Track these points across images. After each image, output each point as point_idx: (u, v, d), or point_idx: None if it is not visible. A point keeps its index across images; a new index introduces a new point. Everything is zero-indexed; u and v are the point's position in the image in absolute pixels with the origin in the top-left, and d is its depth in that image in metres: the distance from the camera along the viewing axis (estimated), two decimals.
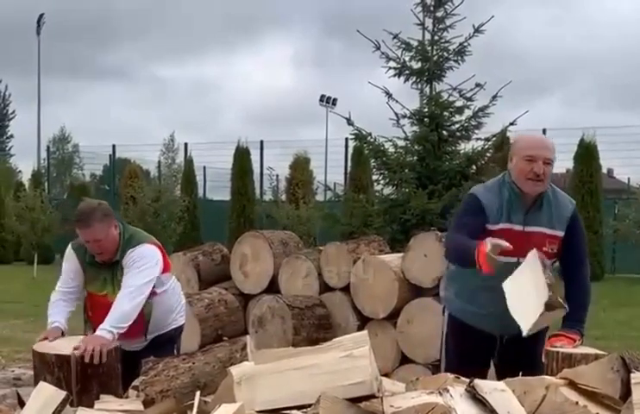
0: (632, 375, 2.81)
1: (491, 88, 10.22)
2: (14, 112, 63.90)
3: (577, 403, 2.69)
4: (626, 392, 2.79)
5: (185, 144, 26.68)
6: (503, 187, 3.84)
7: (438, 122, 10.14)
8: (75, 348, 3.92)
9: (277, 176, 23.90)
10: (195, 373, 3.67)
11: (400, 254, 6.47)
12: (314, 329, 6.26)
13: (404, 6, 10.59)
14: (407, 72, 10.37)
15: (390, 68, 10.36)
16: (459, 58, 10.28)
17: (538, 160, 3.72)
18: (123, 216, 16.43)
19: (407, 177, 10.07)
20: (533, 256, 3.52)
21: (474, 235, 3.68)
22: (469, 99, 10.19)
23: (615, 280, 18.49)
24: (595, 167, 19.42)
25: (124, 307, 4.16)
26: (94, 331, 4.44)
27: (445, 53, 10.32)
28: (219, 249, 7.46)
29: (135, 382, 3.64)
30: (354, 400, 2.64)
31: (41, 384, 3.20)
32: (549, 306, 3.30)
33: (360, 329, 5.81)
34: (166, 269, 4.46)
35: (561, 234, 3.85)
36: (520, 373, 3.46)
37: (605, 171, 23.74)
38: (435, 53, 10.35)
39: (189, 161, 24.61)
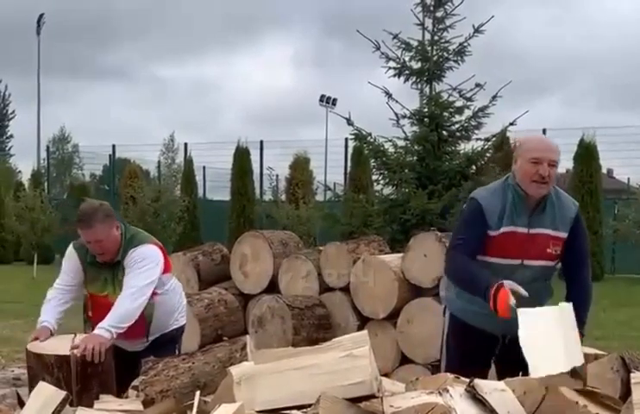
0: (632, 375, 2.80)
1: (491, 88, 10.25)
2: (14, 112, 63.99)
3: (577, 403, 2.69)
4: (626, 392, 2.79)
5: (185, 144, 26.73)
6: (507, 189, 3.83)
7: (438, 122, 10.15)
8: (74, 348, 3.93)
9: (277, 176, 23.94)
10: (195, 373, 3.66)
11: (400, 254, 6.46)
12: (314, 329, 6.26)
13: (404, 6, 10.61)
14: (407, 72, 10.38)
15: (390, 68, 10.39)
16: (459, 58, 10.30)
17: (543, 163, 3.71)
18: (123, 216, 16.41)
19: (407, 177, 10.08)
20: (569, 308, 3.41)
21: (478, 249, 3.73)
22: (469, 99, 10.21)
23: (615, 280, 18.49)
24: (595, 167, 19.43)
25: (125, 307, 4.16)
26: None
27: (445, 53, 10.33)
28: (219, 249, 7.46)
29: (135, 382, 3.63)
30: (354, 400, 2.64)
31: (41, 384, 3.19)
32: (574, 373, 2.86)
33: (359, 329, 5.81)
34: (166, 270, 4.47)
35: (564, 235, 3.85)
36: (520, 374, 3.45)
37: (604, 171, 23.74)
38: (435, 53, 10.37)
39: (189, 161, 24.62)
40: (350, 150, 21.60)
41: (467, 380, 2.80)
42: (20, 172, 42.19)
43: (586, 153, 19.24)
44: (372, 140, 10.50)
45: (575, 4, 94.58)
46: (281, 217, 19.39)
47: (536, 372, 2.99)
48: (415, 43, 10.38)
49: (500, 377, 3.57)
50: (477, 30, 10.14)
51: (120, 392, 3.89)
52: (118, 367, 4.15)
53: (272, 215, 19.96)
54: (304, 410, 2.66)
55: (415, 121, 10.39)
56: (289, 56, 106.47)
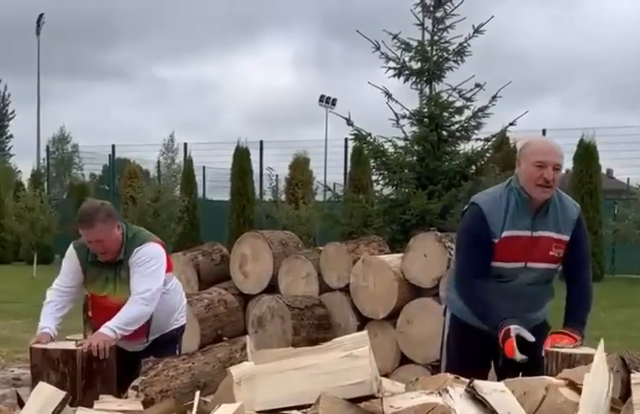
0: (632, 375, 2.81)
1: (490, 88, 10.25)
2: (13, 112, 63.95)
3: (577, 403, 2.68)
4: (626, 392, 2.79)
5: (185, 144, 26.77)
6: (509, 193, 3.81)
7: (438, 122, 10.15)
8: (79, 345, 3.96)
9: (276, 176, 23.95)
10: (195, 373, 3.66)
11: (400, 255, 6.46)
12: (314, 329, 6.26)
13: (404, 6, 10.61)
14: (407, 72, 10.38)
15: (390, 68, 10.39)
16: (458, 58, 10.30)
17: (548, 166, 3.69)
18: (123, 216, 16.37)
19: (407, 177, 10.08)
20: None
21: (488, 262, 3.76)
22: (469, 99, 10.22)
23: (615, 281, 18.49)
24: (595, 168, 19.43)
25: (135, 311, 4.20)
26: (94, 331, 4.45)
27: (445, 54, 10.34)
28: (219, 249, 7.46)
29: (135, 382, 3.63)
30: (354, 400, 2.64)
31: (41, 384, 3.19)
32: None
33: (359, 329, 5.81)
34: (168, 269, 4.47)
35: (567, 238, 3.84)
36: (520, 374, 3.45)
37: (604, 171, 23.76)
38: (434, 53, 10.37)
39: (188, 161, 24.63)
40: (350, 150, 21.62)
41: (467, 381, 2.80)
42: (20, 172, 42.26)
43: (586, 154, 19.24)
44: (371, 140, 10.51)
45: (575, 4, 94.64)
46: (281, 217, 19.39)
47: None
48: (415, 43, 10.39)
49: (500, 377, 3.57)
50: (477, 30, 10.14)
51: (120, 392, 3.90)
52: (118, 367, 4.15)
53: (272, 215, 19.96)
54: (304, 410, 2.66)
55: (415, 121, 10.39)
56: (289, 56, 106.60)
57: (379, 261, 6.36)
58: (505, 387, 2.76)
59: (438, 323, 4.44)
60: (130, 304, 4.20)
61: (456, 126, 10.37)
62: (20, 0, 69.53)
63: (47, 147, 40.65)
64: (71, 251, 4.46)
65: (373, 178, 13.89)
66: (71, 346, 4.01)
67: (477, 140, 10.43)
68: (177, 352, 4.47)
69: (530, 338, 3.59)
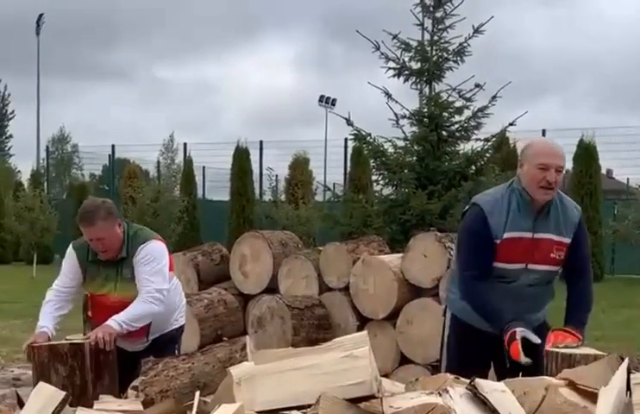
0: (632, 376, 2.81)
1: (490, 88, 10.24)
2: (13, 112, 63.87)
3: (577, 403, 2.69)
4: (626, 393, 2.79)
5: (185, 144, 26.76)
6: (511, 194, 3.81)
7: (438, 122, 10.14)
8: (86, 338, 4.02)
9: (276, 176, 23.96)
10: (194, 374, 3.67)
11: (400, 255, 6.47)
12: (313, 329, 6.26)
13: (404, 6, 10.60)
14: (407, 72, 10.37)
15: (389, 68, 10.38)
16: (458, 58, 10.29)
17: (551, 169, 3.69)
18: (123, 216, 16.42)
19: (406, 177, 10.07)
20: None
21: (490, 263, 3.75)
22: (469, 100, 10.20)
23: (614, 281, 18.49)
24: (594, 168, 19.43)
25: (143, 309, 4.22)
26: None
27: (444, 54, 10.33)
28: (218, 249, 7.46)
29: (135, 382, 3.64)
30: (354, 400, 2.64)
31: (41, 384, 3.19)
32: None
33: (359, 329, 5.81)
34: (170, 268, 4.47)
35: (568, 241, 3.84)
36: (520, 374, 3.45)
37: (604, 172, 23.75)
38: (434, 53, 10.36)
39: (188, 161, 24.63)
40: (350, 150, 21.61)
41: (467, 381, 2.80)
42: (19, 172, 42.20)
43: (586, 154, 19.23)
44: (371, 140, 10.50)
45: (575, 4, 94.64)
46: (281, 218, 19.39)
47: None
48: (414, 43, 10.38)
49: (500, 378, 3.57)
50: (477, 30, 10.13)
51: (120, 392, 3.90)
52: (118, 367, 4.15)
53: (272, 215, 19.96)
54: (304, 410, 2.66)
55: (414, 121, 10.39)
56: (289, 56, 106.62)
57: (379, 261, 6.36)
58: (505, 387, 2.76)
59: (438, 323, 4.44)
60: (140, 302, 4.23)
61: (456, 126, 10.36)
62: (20, 0, 69.59)
63: (47, 147, 40.72)
64: (70, 251, 4.47)
65: (373, 178, 13.90)
66: (78, 339, 4.07)
67: (477, 140, 10.42)
68: (176, 352, 4.47)
69: (536, 340, 3.60)
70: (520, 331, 3.61)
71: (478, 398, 2.67)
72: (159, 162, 34.32)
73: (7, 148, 62.92)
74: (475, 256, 3.81)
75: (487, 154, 10.43)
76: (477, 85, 10.14)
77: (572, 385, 2.79)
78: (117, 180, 27.17)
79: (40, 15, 42.77)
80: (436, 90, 10.42)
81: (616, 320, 11.54)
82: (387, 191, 10.77)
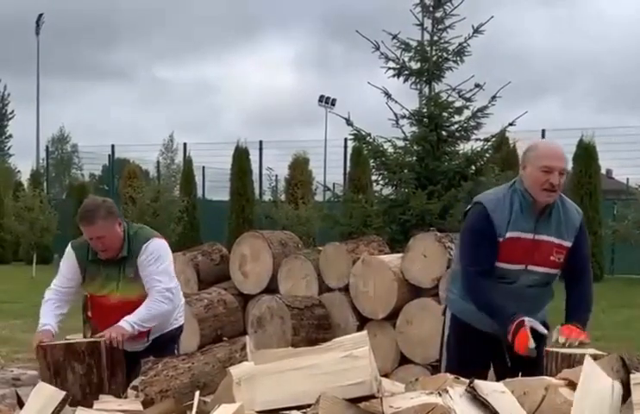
0: (632, 376, 2.81)
1: (490, 89, 10.24)
2: (13, 112, 63.83)
3: None
4: (626, 393, 2.79)
5: (185, 144, 26.75)
6: (513, 195, 3.81)
7: (437, 122, 10.14)
8: (100, 337, 4.04)
9: (276, 176, 23.96)
10: (194, 374, 3.66)
11: (400, 255, 6.47)
12: (313, 329, 6.26)
13: (404, 6, 10.60)
14: (406, 72, 10.37)
15: (389, 68, 10.38)
16: (458, 58, 10.29)
17: (554, 172, 3.70)
18: (122, 216, 16.41)
19: (406, 177, 10.07)
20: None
21: (494, 260, 3.75)
22: (468, 100, 10.20)
23: (614, 281, 18.49)
24: (594, 168, 19.43)
25: (155, 310, 4.25)
26: (94, 330, 4.46)
27: (444, 54, 10.32)
28: (218, 249, 7.46)
29: (135, 382, 3.64)
30: (354, 400, 2.64)
31: (40, 384, 3.19)
32: None
33: (359, 329, 5.81)
34: None
35: (569, 244, 3.85)
36: (520, 374, 3.45)
37: (604, 172, 23.75)
38: (434, 53, 10.36)
39: (188, 161, 24.63)
40: (349, 150, 21.61)
41: (467, 381, 2.80)
42: (19, 171, 42.20)
43: (586, 154, 19.23)
44: (371, 140, 10.49)
45: (575, 4, 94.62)
46: (280, 218, 19.39)
47: None
48: (414, 43, 10.38)
49: (499, 378, 3.57)
50: (476, 30, 10.13)
51: (120, 392, 3.90)
52: None
53: (272, 215, 19.96)
54: (304, 410, 2.66)
55: (414, 121, 10.38)
56: (289, 56, 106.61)
57: (379, 261, 6.36)
58: (505, 388, 2.76)
59: (438, 323, 4.44)
60: (150, 302, 4.25)
61: (456, 126, 10.36)
62: (20, 0, 69.57)
63: (47, 147, 40.71)
64: (69, 251, 4.46)
65: (373, 178, 13.89)
66: (95, 338, 4.10)
67: (476, 140, 10.42)
68: (176, 351, 4.47)
69: (543, 330, 3.62)
70: (528, 321, 3.61)
71: (478, 399, 2.67)
72: (158, 162, 34.34)
73: (7, 148, 62.90)
74: (480, 252, 3.80)
75: (487, 154, 10.43)
76: (477, 85, 10.14)
77: (572, 385, 2.79)
78: (117, 180, 27.17)
79: (40, 15, 42.82)
80: (436, 91, 10.42)
81: (616, 320, 11.54)
82: (387, 191, 10.77)
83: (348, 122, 10.48)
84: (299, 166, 23.16)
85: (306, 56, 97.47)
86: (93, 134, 76.85)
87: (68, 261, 4.44)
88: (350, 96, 63.03)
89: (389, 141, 10.50)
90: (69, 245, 4.49)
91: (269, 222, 19.13)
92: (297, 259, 6.75)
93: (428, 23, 10.42)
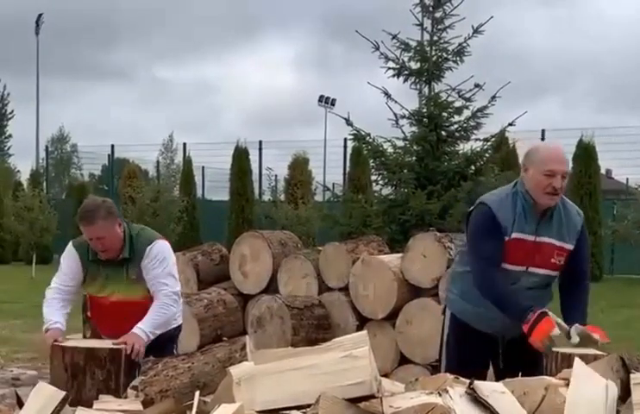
0: (632, 376, 2.81)
1: (490, 89, 10.25)
2: (12, 112, 63.78)
3: None
4: (626, 393, 2.79)
5: (184, 144, 26.74)
6: (515, 196, 3.81)
7: (437, 122, 10.15)
8: (119, 343, 4.03)
9: (276, 176, 23.97)
10: (194, 373, 3.66)
11: (399, 255, 6.47)
12: (313, 329, 6.26)
13: (403, 6, 10.60)
14: (406, 72, 10.38)
15: (389, 68, 10.39)
16: (458, 58, 10.29)
17: (557, 175, 3.69)
18: (122, 216, 16.40)
19: (406, 177, 10.07)
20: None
21: (502, 258, 3.73)
22: (468, 100, 10.21)
23: (613, 281, 18.49)
24: (594, 168, 19.44)
25: (166, 314, 4.29)
26: (93, 331, 4.45)
27: (444, 54, 10.33)
28: (218, 249, 7.46)
29: (135, 382, 3.63)
30: (354, 400, 2.64)
31: (40, 383, 3.18)
32: None
33: (359, 329, 5.81)
34: None
35: (570, 247, 3.85)
36: (520, 374, 3.45)
37: (603, 172, 23.75)
38: (434, 53, 10.37)
39: (188, 161, 24.62)
40: (349, 150, 21.61)
41: (467, 381, 2.80)
42: (19, 171, 42.10)
43: (585, 154, 19.24)
44: (371, 140, 10.50)
45: (575, 4, 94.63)
46: (280, 218, 19.38)
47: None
48: (414, 43, 10.39)
49: (499, 378, 3.58)
50: (476, 31, 10.14)
51: (120, 392, 3.90)
52: None
53: (272, 215, 19.95)
54: (304, 410, 2.66)
55: (414, 121, 10.39)
56: (289, 56, 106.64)
57: (379, 261, 6.36)
58: (505, 388, 2.76)
59: (437, 323, 4.44)
60: (160, 307, 4.26)
61: (455, 126, 10.36)
62: (19, 0, 69.55)
63: (47, 147, 40.72)
64: (70, 249, 4.44)
65: (373, 178, 13.88)
66: (114, 345, 4.08)
67: (476, 140, 10.43)
68: (174, 351, 4.47)
69: (565, 326, 3.59)
70: (552, 315, 3.60)
71: (478, 399, 2.67)
72: (158, 162, 34.32)
73: (6, 148, 62.87)
74: (489, 247, 3.77)
75: (487, 154, 10.44)
76: (476, 85, 10.15)
77: None
78: (117, 180, 27.16)
79: (40, 15, 42.77)
80: (436, 91, 10.43)
81: (615, 320, 11.53)
82: (387, 191, 10.78)
83: (348, 122, 10.49)
84: (299, 166, 23.16)
85: (306, 56, 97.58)
86: (93, 134, 76.93)
87: (70, 259, 4.42)
88: (350, 96, 63.14)
89: (389, 141, 10.52)
90: (70, 244, 4.48)
91: (269, 222, 19.13)
92: (296, 259, 6.75)
93: (428, 23, 10.43)
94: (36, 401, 2.95)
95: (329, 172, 27.26)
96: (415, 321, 6.05)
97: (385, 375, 5.23)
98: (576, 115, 74.43)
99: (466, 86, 10.19)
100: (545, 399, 2.73)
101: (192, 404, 2.93)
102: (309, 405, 2.63)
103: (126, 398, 3.60)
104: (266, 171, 23.88)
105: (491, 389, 2.72)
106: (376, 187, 11.59)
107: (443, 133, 10.28)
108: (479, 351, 3.93)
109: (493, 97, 10.15)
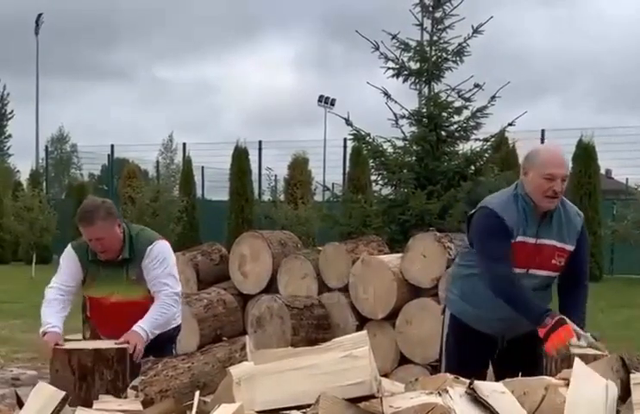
0: (632, 376, 2.81)
1: (490, 89, 10.23)
2: (12, 112, 63.76)
3: None
4: (626, 393, 2.79)
5: (184, 144, 26.74)
6: (516, 200, 3.80)
7: (437, 122, 10.14)
8: (122, 343, 4.03)
9: (275, 176, 23.96)
10: (194, 373, 3.66)
11: (399, 255, 6.47)
12: (313, 329, 6.27)
13: (403, 6, 10.60)
14: (406, 72, 10.37)
15: (389, 68, 10.37)
16: (458, 58, 10.28)
17: (557, 178, 3.70)
18: (122, 216, 16.41)
19: (406, 177, 10.06)
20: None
21: (511, 256, 3.71)
22: (468, 100, 10.19)
23: (613, 281, 18.50)
24: (594, 168, 19.44)
25: (166, 315, 4.29)
26: (93, 331, 4.44)
27: (444, 54, 10.32)
28: (218, 249, 7.46)
29: (134, 382, 3.63)
30: (354, 400, 2.64)
31: (40, 383, 3.18)
32: None
33: (358, 329, 5.81)
34: None
35: (571, 248, 3.85)
36: (520, 374, 3.45)
37: (603, 172, 23.75)
38: (433, 53, 10.35)
39: (187, 161, 24.62)
40: (349, 150, 21.61)
41: (467, 381, 2.80)
42: (18, 171, 42.11)
43: (585, 154, 19.24)
44: (370, 140, 10.49)
45: (575, 4, 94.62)
46: (280, 218, 19.38)
47: None
48: (414, 43, 10.37)
49: (499, 378, 3.57)
50: (476, 31, 10.13)
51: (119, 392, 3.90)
52: None
53: (271, 215, 19.95)
54: (304, 410, 2.66)
55: (414, 121, 10.38)
56: (289, 56, 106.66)
57: (379, 262, 6.36)
58: (505, 388, 2.76)
59: (437, 323, 4.44)
60: (160, 307, 4.26)
61: (455, 126, 10.35)
62: (19, 0, 69.53)
63: (46, 147, 40.72)
64: (69, 250, 4.44)
65: (372, 178, 13.86)
66: (120, 345, 4.08)
67: (476, 140, 10.41)
68: (173, 351, 4.47)
69: (585, 334, 3.57)
70: (571, 323, 3.57)
71: (478, 399, 2.67)
72: (158, 162, 34.29)
73: (6, 148, 62.85)
74: (500, 247, 3.74)
75: (486, 154, 10.43)
76: (476, 85, 10.14)
77: None
78: (116, 180, 27.16)
79: (40, 15, 42.75)
80: (436, 91, 10.41)
81: (615, 320, 11.54)
82: (386, 191, 10.77)
83: (348, 122, 10.48)
84: (299, 166, 23.16)
85: (306, 56, 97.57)
86: (93, 134, 76.89)
87: (69, 260, 4.41)
88: (350, 96, 63.09)
89: (388, 141, 10.50)
90: (69, 246, 4.47)
91: (268, 222, 19.12)
92: (296, 259, 6.75)
93: (427, 23, 10.42)
94: (36, 401, 2.95)
95: (329, 172, 27.27)
96: (415, 321, 6.05)
97: (385, 375, 5.23)
98: (576, 115, 74.52)
99: (465, 86, 10.18)
100: (545, 399, 2.73)
101: (192, 404, 2.93)
102: (309, 405, 2.63)
103: (126, 398, 3.60)
104: (265, 171, 23.92)
105: (491, 389, 2.72)
106: (376, 187, 11.59)
107: (443, 133, 10.27)
108: (479, 351, 3.93)
109: (493, 97, 10.14)
